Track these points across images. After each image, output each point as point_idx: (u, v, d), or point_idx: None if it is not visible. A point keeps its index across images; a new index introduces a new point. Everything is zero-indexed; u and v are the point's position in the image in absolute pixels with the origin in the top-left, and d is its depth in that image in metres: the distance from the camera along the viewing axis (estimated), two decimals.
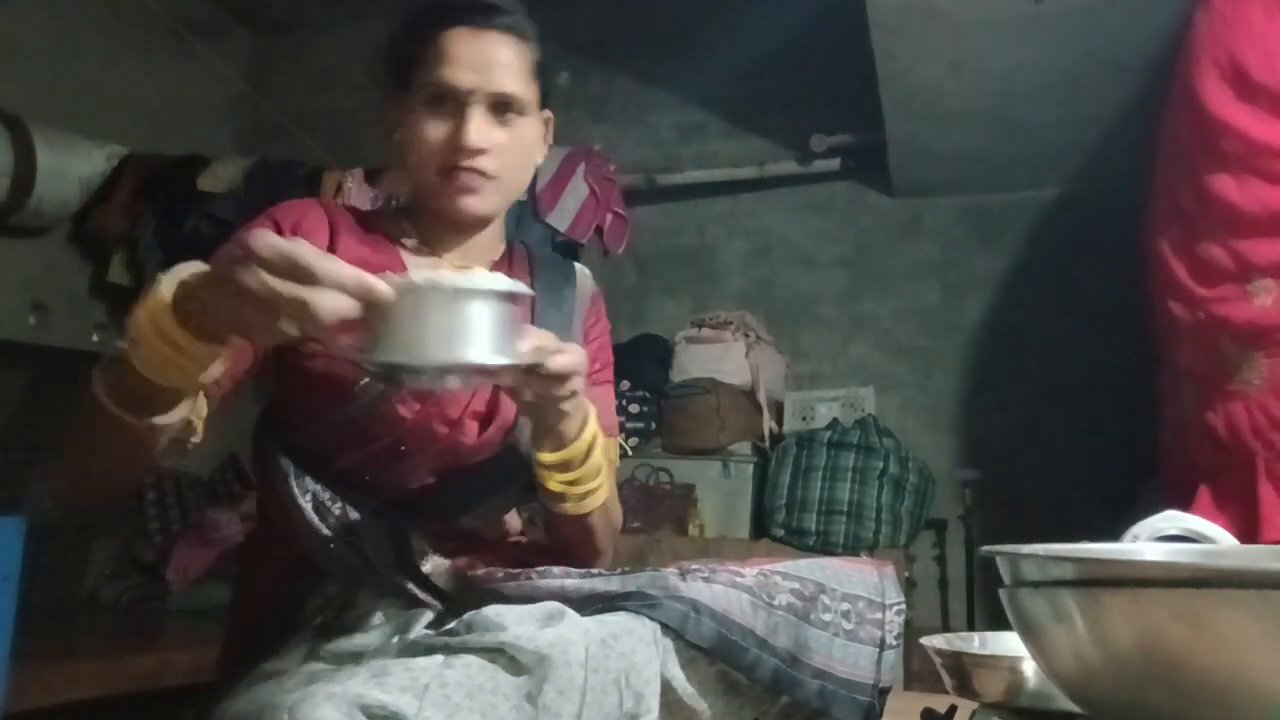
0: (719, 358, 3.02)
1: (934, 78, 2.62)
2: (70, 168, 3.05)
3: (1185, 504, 1.80)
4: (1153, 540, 1.22)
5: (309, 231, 1.01)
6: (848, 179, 3.42)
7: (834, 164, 3.36)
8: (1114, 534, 1.26)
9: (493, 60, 1.01)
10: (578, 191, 2.96)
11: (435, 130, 1.01)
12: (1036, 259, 3.24)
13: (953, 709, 1.09)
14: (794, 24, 3.31)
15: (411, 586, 0.93)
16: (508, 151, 1.04)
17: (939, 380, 3.27)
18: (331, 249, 1.01)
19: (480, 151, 1.01)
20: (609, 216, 3.00)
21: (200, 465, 3.54)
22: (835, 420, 2.99)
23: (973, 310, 3.27)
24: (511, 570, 0.92)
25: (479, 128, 1.00)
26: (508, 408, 1.05)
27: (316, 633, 0.94)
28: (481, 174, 1.02)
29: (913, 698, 1.53)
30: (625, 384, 2.99)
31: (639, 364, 3.06)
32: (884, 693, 0.89)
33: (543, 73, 1.08)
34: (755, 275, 3.50)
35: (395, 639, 0.86)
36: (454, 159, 1.01)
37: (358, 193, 2.93)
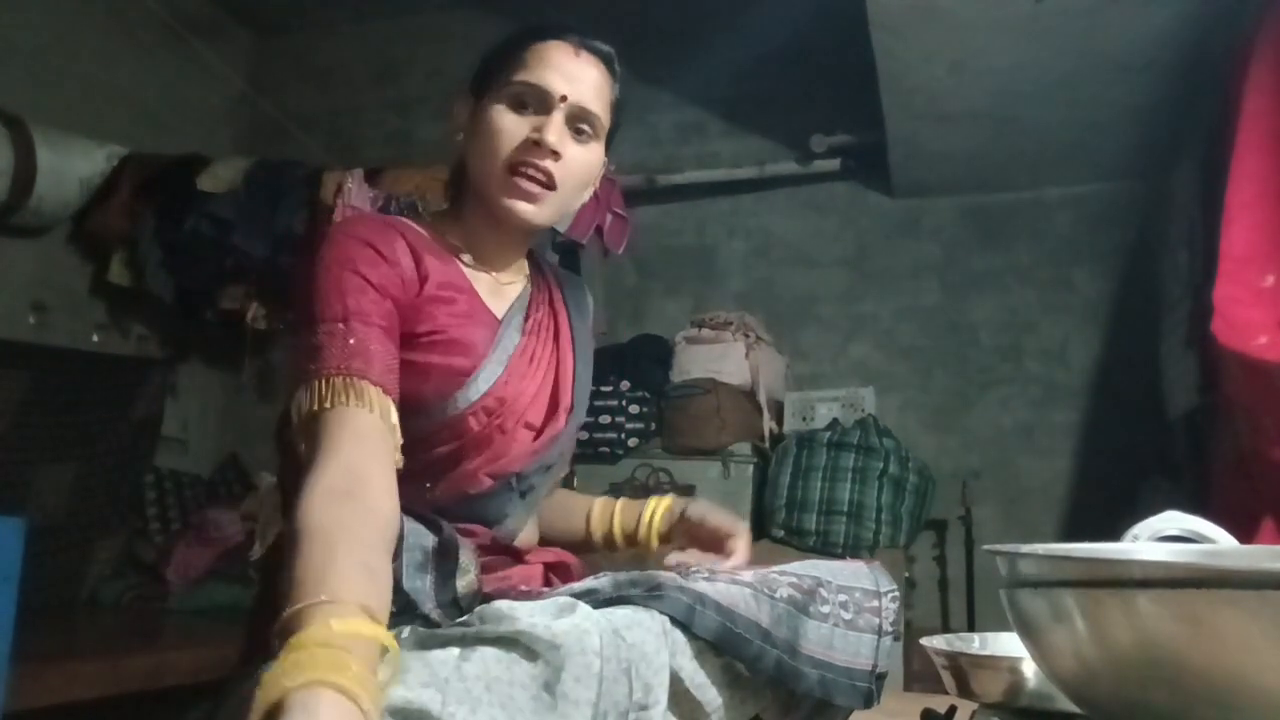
0: (719, 358, 3.02)
1: (934, 78, 2.61)
2: (70, 168, 3.05)
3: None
4: (1153, 540, 1.22)
5: (396, 259, 0.98)
6: (848, 179, 3.41)
7: (834, 164, 3.36)
8: (1114, 534, 1.27)
9: (585, 77, 1.05)
10: None
11: (515, 126, 1.02)
12: (1036, 259, 3.24)
13: (953, 709, 1.10)
14: (794, 24, 3.30)
15: (434, 612, 0.86)
16: (573, 166, 1.04)
17: (939, 380, 3.27)
18: (419, 271, 0.99)
19: (554, 154, 1.01)
20: (609, 216, 3.00)
21: (200, 465, 3.54)
22: (835, 420, 2.99)
23: (973, 310, 3.27)
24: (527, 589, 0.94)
25: (558, 132, 1.02)
26: (558, 418, 1.07)
27: None
28: (546, 180, 1.02)
29: (913, 698, 1.54)
30: (625, 384, 2.99)
31: (639, 364, 3.06)
32: (881, 678, 0.91)
33: (618, 111, 1.11)
34: (755, 275, 3.50)
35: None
36: (527, 155, 1.01)
37: (358, 193, 2.93)
